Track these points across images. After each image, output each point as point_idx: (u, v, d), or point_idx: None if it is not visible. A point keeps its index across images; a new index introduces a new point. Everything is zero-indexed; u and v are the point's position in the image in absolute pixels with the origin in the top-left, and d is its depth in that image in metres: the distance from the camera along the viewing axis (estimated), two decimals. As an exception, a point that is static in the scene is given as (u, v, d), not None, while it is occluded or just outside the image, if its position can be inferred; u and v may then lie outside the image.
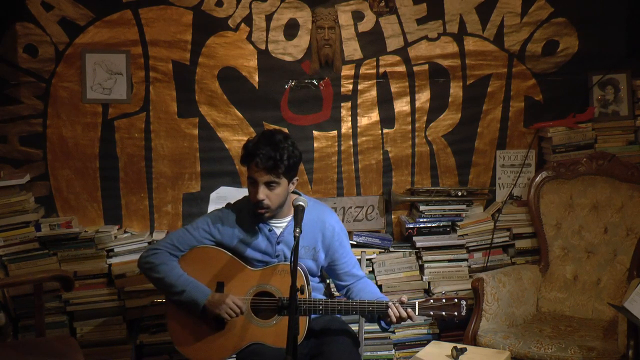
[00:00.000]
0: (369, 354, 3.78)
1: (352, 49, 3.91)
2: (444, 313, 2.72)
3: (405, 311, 2.71)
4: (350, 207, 3.96)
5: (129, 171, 3.88)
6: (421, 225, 3.91)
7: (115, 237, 3.76)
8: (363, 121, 3.99)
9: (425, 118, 4.02)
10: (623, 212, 3.69)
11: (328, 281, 3.19)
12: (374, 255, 3.83)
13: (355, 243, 3.78)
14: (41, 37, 3.72)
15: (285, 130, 3.77)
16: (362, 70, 3.93)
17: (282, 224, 2.92)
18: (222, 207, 3.02)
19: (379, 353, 3.81)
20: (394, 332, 3.84)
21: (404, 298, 2.74)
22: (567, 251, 3.80)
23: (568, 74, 4.02)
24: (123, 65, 3.79)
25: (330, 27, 3.86)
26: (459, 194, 3.97)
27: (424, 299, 2.75)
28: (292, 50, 3.89)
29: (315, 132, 3.97)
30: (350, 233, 3.73)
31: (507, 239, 3.96)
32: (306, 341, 2.81)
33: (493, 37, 3.98)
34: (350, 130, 3.99)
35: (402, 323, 2.78)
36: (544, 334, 3.34)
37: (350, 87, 3.95)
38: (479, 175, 4.08)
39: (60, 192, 3.84)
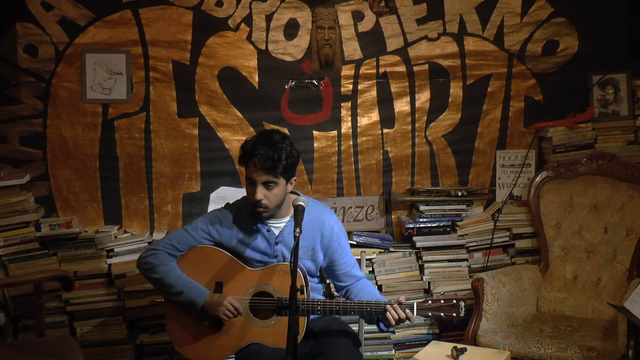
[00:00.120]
0: (369, 354, 3.78)
1: (352, 49, 3.91)
2: (442, 314, 2.71)
3: (404, 312, 2.70)
4: (350, 207, 3.96)
5: (129, 171, 3.88)
6: (421, 225, 3.91)
7: (115, 237, 3.76)
8: (363, 121, 3.99)
9: (425, 118, 4.02)
10: (623, 212, 3.69)
11: (328, 281, 3.19)
12: (374, 255, 3.83)
13: (355, 243, 3.78)
14: (41, 37, 3.72)
15: (285, 130, 3.77)
16: (362, 70, 3.93)
17: (280, 224, 2.92)
18: (221, 208, 3.03)
19: (379, 353, 3.81)
20: (394, 332, 3.84)
21: (402, 299, 2.74)
22: (567, 251, 3.79)
23: (568, 74, 4.02)
24: (123, 65, 3.79)
25: (330, 27, 3.86)
26: (459, 194, 3.97)
27: (422, 300, 2.74)
28: (292, 50, 3.89)
29: (315, 132, 3.97)
30: (350, 233, 3.73)
31: (507, 239, 3.96)
32: (306, 342, 2.81)
33: (493, 37, 3.97)
34: (350, 130, 3.99)
35: (401, 324, 2.77)
36: (544, 334, 3.34)
37: (350, 87, 3.95)
38: (479, 175, 4.08)
39: (60, 192, 3.85)
